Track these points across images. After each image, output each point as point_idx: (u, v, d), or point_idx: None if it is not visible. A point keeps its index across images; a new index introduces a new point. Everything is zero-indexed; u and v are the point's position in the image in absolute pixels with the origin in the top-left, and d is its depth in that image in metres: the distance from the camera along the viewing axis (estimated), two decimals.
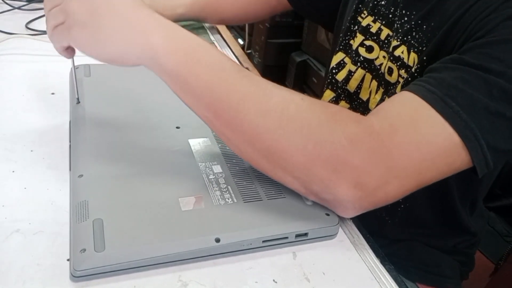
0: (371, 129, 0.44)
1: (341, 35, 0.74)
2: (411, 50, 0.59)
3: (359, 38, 0.69)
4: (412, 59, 0.59)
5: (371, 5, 0.68)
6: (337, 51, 0.75)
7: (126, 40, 0.44)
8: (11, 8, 0.92)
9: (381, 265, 0.45)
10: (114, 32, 0.44)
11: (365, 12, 0.69)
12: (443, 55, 0.52)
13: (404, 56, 0.60)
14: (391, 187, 0.44)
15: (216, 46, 0.43)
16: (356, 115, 0.46)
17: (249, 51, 2.22)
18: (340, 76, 0.74)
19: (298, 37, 2.03)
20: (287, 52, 2.05)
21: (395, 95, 0.49)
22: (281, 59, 2.09)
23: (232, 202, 0.47)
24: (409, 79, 0.58)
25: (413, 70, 0.58)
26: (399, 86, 0.60)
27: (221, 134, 0.47)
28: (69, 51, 0.50)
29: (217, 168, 0.51)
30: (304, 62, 1.99)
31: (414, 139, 0.44)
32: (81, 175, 0.48)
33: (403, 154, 0.44)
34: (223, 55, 0.46)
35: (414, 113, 0.45)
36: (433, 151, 0.44)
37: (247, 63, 0.93)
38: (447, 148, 0.45)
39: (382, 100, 0.66)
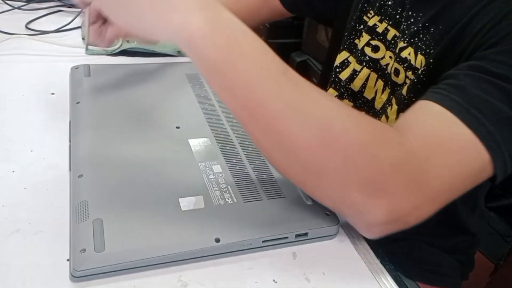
0: (412, 154, 0.42)
1: (346, 34, 0.73)
2: (418, 53, 0.59)
3: (365, 37, 0.69)
4: (419, 61, 0.59)
5: (377, 4, 0.67)
6: (341, 50, 0.74)
7: (162, 14, 0.40)
8: (11, 8, 0.92)
9: (381, 265, 0.45)
10: (150, 5, 0.40)
11: (371, 11, 0.68)
12: (451, 59, 0.52)
13: (411, 58, 0.60)
14: (421, 211, 0.44)
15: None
16: (399, 135, 0.43)
17: None
18: (344, 75, 0.74)
19: (298, 37, 2.03)
20: (287, 52, 2.05)
21: (422, 107, 0.47)
22: (281, 59, 2.08)
23: (232, 202, 0.47)
24: (415, 80, 0.58)
25: (419, 72, 0.58)
26: (405, 87, 0.60)
27: (252, 136, 0.42)
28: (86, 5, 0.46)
29: (217, 168, 0.51)
30: (304, 62, 1.99)
31: (449, 162, 0.43)
32: (81, 175, 0.48)
33: (438, 178, 0.43)
34: (269, 51, 0.41)
35: (448, 132, 0.44)
36: (464, 172, 0.44)
37: None
38: (477, 168, 0.44)
39: (388, 100, 0.65)
